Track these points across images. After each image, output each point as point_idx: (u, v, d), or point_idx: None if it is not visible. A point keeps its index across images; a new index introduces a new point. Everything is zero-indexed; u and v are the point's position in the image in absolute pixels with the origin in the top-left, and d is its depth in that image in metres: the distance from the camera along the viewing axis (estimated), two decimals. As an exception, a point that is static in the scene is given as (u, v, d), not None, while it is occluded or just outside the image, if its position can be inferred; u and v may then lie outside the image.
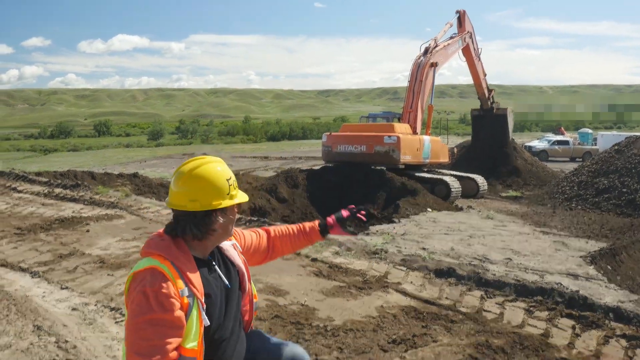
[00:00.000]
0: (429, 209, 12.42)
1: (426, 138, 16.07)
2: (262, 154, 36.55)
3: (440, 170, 16.73)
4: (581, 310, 4.94)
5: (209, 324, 2.03)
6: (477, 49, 20.12)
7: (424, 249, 7.47)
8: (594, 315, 4.81)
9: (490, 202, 15.61)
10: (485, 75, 20.87)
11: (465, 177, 16.51)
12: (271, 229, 2.73)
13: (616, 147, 15.86)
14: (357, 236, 2.87)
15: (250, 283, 2.40)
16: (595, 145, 34.10)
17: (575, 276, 6.39)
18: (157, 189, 13.96)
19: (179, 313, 1.92)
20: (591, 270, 6.84)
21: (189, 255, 2.08)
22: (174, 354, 1.91)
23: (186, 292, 1.97)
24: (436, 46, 17.31)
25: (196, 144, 59.48)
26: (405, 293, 5.41)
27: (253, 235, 2.62)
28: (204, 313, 2.02)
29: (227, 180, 2.14)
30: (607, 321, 4.73)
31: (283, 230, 2.73)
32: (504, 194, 17.57)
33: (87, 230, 8.24)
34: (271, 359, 2.45)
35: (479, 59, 20.32)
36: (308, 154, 34.24)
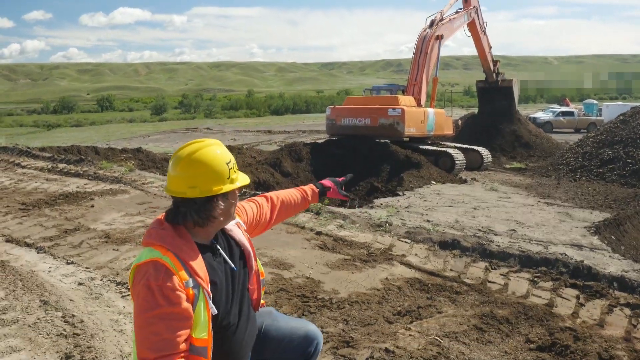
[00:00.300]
0: (433, 182, 12.40)
1: (430, 110, 15.99)
2: (266, 128, 36.45)
3: (444, 143, 16.67)
4: (585, 280, 4.95)
5: (216, 312, 2.01)
6: (483, 23, 19.90)
7: (428, 221, 7.46)
8: (598, 284, 4.82)
9: (494, 174, 15.57)
10: (490, 48, 20.69)
11: (469, 149, 16.45)
12: (272, 196, 2.69)
13: (621, 118, 15.74)
14: (348, 199, 3.03)
15: (257, 261, 2.37)
16: (600, 116, 33.87)
17: (580, 246, 6.39)
18: (161, 164, 13.95)
19: (186, 305, 1.90)
20: (595, 240, 6.84)
21: (192, 243, 2.03)
22: (184, 346, 1.91)
23: (191, 283, 1.93)
24: (442, 19, 17.15)
25: (199, 118, 59.25)
26: (409, 265, 5.43)
27: (254, 207, 2.56)
28: (210, 302, 1.99)
29: (227, 163, 2.06)
30: (611, 290, 4.74)
31: (285, 198, 2.73)
32: (508, 166, 17.52)
33: (92, 205, 8.26)
34: (282, 337, 2.44)
35: (485, 33, 20.12)
36: (311, 127, 34.12)
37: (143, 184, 10.16)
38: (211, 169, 2.01)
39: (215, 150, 2.06)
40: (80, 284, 4.86)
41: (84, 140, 25.07)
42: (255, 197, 2.67)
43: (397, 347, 3.64)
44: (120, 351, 3.53)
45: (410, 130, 14.77)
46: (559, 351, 3.72)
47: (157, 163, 14.19)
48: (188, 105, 76.18)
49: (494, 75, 21.14)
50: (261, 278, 2.43)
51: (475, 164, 16.11)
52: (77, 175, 11.28)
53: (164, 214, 2.11)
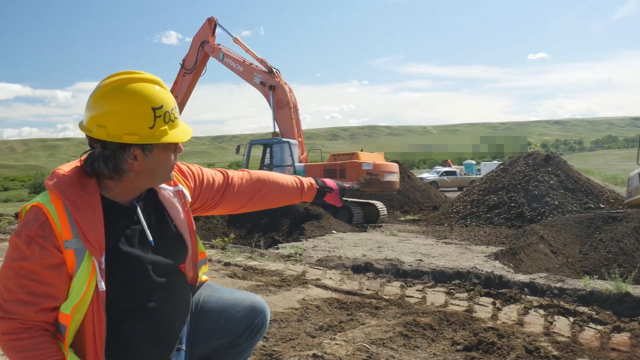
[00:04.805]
0: (334, 231, 12.41)
1: None
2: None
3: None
4: (498, 288, 5.00)
5: (103, 289, 1.62)
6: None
7: (337, 256, 7.34)
8: (511, 291, 4.89)
9: (390, 225, 15.92)
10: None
11: (365, 202, 16.78)
12: (254, 172, 2.29)
13: (502, 167, 16.90)
14: (341, 206, 2.61)
15: (195, 238, 1.99)
16: (479, 174, 36.38)
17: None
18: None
19: (52, 270, 1.56)
20: (497, 264, 7.06)
21: (94, 198, 1.65)
22: (37, 316, 1.56)
23: (74, 244, 1.57)
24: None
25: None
26: (325, 287, 5.21)
27: (218, 177, 2.15)
28: (99, 274, 1.60)
29: (155, 108, 1.64)
30: (523, 295, 4.81)
31: (275, 177, 2.31)
32: (402, 218, 18.04)
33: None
34: (224, 308, 2.11)
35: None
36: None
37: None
38: (127, 109, 1.61)
39: (145, 87, 1.66)
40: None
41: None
42: (227, 170, 2.25)
43: (325, 353, 3.39)
44: None
45: None
46: (486, 349, 3.65)
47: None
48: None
49: None
50: (200, 259, 2.07)
51: (372, 216, 16.40)
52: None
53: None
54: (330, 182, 2.51)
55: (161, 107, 1.66)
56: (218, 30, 19.48)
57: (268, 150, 17.06)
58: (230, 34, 19.15)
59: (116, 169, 1.65)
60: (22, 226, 1.58)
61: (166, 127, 1.68)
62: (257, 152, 18.05)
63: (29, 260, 1.54)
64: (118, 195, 1.73)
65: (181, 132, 1.74)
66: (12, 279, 1.55)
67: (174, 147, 1.77)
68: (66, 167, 1.71)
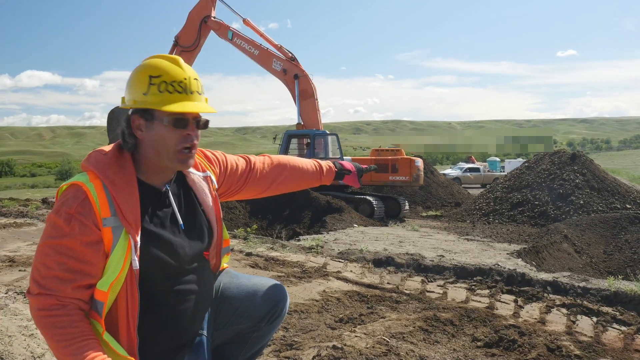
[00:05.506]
0: (355, 225, 12.41)
1: None
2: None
3: (363, 191, 16.86)
4: (520, 286, 4.96)
5: (137, 267, 1.67)
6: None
7: (358, 249, 7.34)
8: (533, 289, 4.84)
9: (412, 220, 15.86)
10: None
11: (386, 197, 16.73)
12: (275, 157, 2.36)
13: (526, 164, 16.68)
14: (359, 187, 2.71)
15: (221, 225, 2.04)
16: (503, 171, 35.95)
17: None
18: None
19: (90, 247, 1.60)
20: (520, 262, 7.00)
21: (131, 179, 1.70)
22: (74, 293, 1.60)
23: (111, 222, 1.62)
24: None
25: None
26: (346, 280, 5.22)
27: (241, 163, 2.20)
28: (134, 253, 1.65)
29: (152, 76, 1.70)
30: (545, 294, 4.76)
31: (295, 161, 2.38)
32: (424, 214, 17.95)
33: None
34: (244, 294, 2.14)
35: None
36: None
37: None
38: (132, 78, 1.75)
39: (155, 61, 1.76)
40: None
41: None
42: (250, 155, 2.30)
43: (345, 345, 3.40)
44: (32, 353, 3.04)
45: None
46: (506, 346, 3.62)
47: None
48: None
49: None
50: (224, 246, 2.12)
51: (394, 211, 16.32)
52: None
53: None
54: (347, 164, 2.61)
55: (159, 76, 1.71)
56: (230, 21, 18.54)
57: (306, 142, 16.39)
58: (240, 15, 17.57)
59: (131, 137, 1.74)
60: (61, 204, 1.63)
61: (160, 96, 1.69)
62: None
63: (68, 237, 1.58)
64: (150, 178, 1.79)
65: (178, 105, 1.70)
66: (50, 255, 1.59)
67: (178, 125, 1.73)
68: (104, 150, 1.77)
